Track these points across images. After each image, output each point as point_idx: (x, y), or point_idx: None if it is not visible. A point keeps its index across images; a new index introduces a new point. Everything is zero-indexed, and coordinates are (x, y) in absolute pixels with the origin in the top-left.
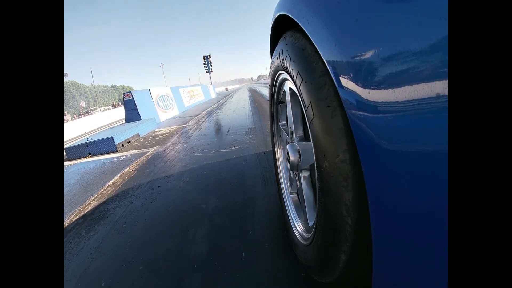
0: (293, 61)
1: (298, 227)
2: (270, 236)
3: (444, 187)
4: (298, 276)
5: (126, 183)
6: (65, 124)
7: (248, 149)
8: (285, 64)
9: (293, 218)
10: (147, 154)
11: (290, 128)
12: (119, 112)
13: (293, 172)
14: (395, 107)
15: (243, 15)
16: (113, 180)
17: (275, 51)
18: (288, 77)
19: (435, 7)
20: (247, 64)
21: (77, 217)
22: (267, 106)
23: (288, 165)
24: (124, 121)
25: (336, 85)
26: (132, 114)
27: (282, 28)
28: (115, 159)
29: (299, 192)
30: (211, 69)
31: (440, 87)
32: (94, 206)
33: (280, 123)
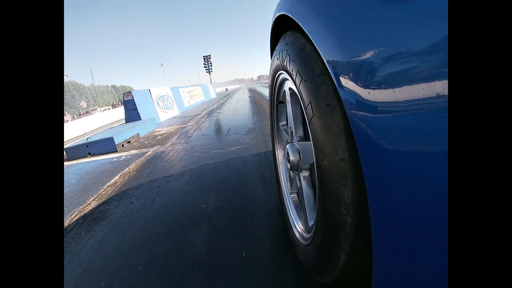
0: (293, 61)
1: (298, 227)
2: (270, 236)
3: (444, 187)
4: (298, 276)
5: (126, 183)
6: (65, 124)
7: (248, 149)
8: (285, 63)
9: (293, 218)
10: (147, 154)
11: (290, 128)
12: (119, 112)
13: (293, 172)
14: (395, 107)
15: (243, 15)
16: (113, 180)
17: (275, 51)
18: (288, 77)
19: (435, 7)
20: (247, 64)
21: (77, 217)
22: (267, 106)
23: (288, 165)
24: (124, 121)
25: (336, 85)
26: (132, 114)
27: (282, 28)
28: (115, 159)
29: (299, 192)
30: (211, 69)
31: (440, 87)
32: (94, 206)
33: (280, 123)
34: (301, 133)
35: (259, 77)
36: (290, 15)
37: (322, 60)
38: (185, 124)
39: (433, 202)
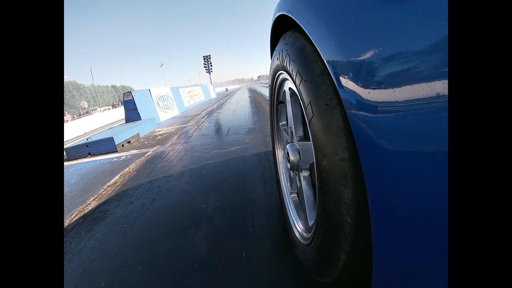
0: (293, 61)
1: (298, 227)
2: (270, 236)
3: (444, 187)
4: (298, 276)
5: (126, 183)
6: (65, 124)
7: (248, 149)
8: (284, 63)
9: (293, 218)
10: (147, 154)
11: (290, 128)
12: (119, 112)
13: (293, 172)
14: (395, 107)
15: (243, 15)
16: (113, 180)
17: (275, 51)
18: (288, 77)
19: (435, 7)
20: (247, 64)
21: (77, 217)
22: (267, 106)
23: (288, 165)
24: (124, 121)
25: (336, 85)
26: (132, 114)
27: (282, 28)
28: (115, 159)
29: (299, 192)
30: (211, 69)
31: (440, 87)
32: (94, 206)
33: (280, 123)
34: (301, 133)
35: (259, 77)
36: (290, 15)
37: (322, 60)
38: (185, 124)
39: (433, 202)
